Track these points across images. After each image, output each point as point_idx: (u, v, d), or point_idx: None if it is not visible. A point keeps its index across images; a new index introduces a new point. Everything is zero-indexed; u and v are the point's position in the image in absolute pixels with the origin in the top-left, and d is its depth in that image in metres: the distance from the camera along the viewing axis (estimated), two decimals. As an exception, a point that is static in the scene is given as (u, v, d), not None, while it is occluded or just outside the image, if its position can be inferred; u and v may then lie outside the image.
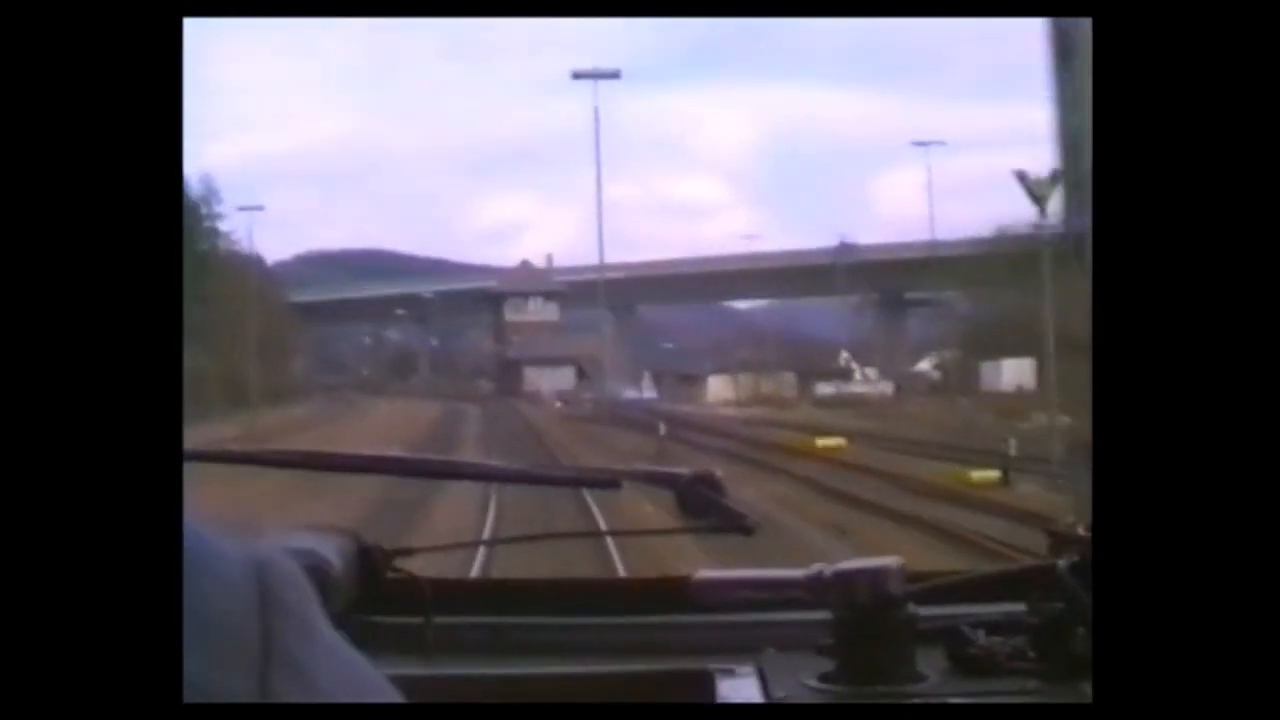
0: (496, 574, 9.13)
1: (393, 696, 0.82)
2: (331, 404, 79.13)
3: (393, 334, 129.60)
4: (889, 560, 1.60)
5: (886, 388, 77.34)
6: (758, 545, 2.36)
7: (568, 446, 38.03)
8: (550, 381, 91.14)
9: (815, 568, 1.61)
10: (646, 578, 2.06)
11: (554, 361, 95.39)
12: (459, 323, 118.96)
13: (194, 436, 1.56)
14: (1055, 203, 26.31)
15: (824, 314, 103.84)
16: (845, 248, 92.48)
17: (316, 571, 1.65)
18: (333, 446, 2.86)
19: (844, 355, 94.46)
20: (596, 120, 60.39)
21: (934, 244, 78.11)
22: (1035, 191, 26.16)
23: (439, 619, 1.85)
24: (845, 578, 1.59)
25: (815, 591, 1.61)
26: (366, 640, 1.48)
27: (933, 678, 1.59)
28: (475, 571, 11.39)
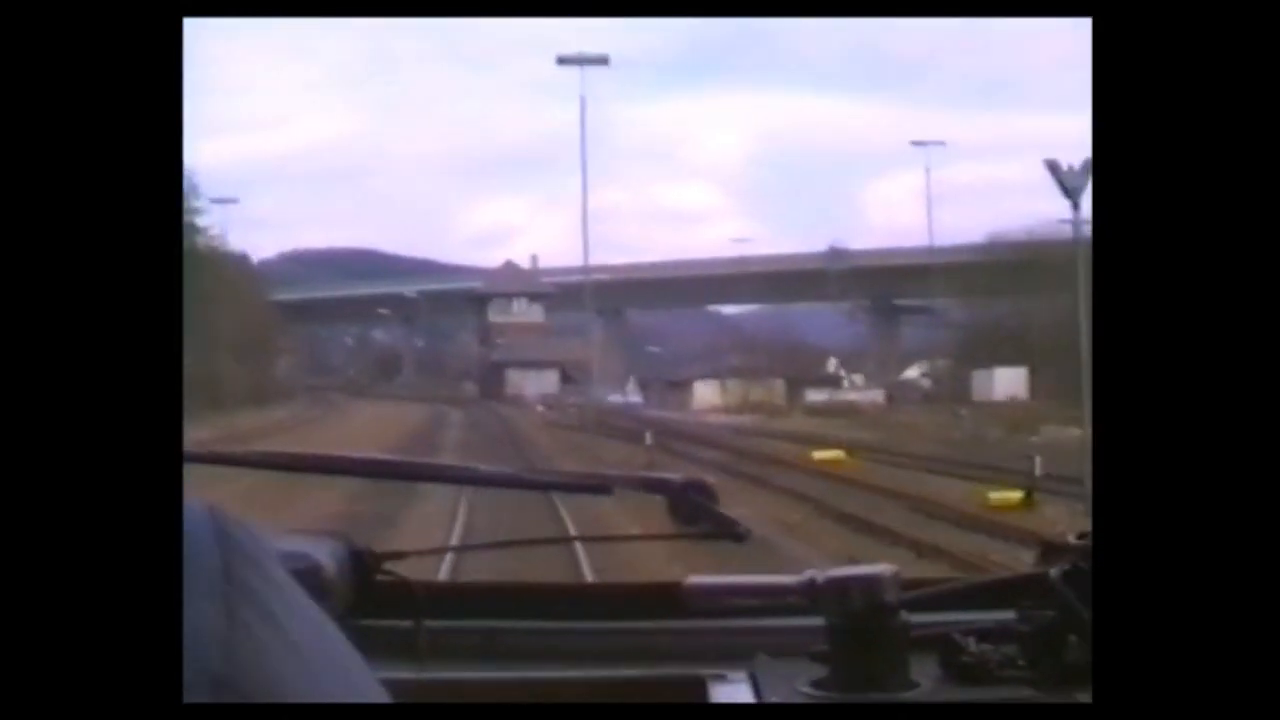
0: (464, 578, 8.07)
1: (345, 645, 0.81)
2: (314, 406, 77.15)
3: (379, 335, 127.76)
4: (883, 567, 1.60)
5: (878, 396, 75.15)
6: (745, 558, 2.25)
7: (550, 457, 35.90)
8: (534, 385, 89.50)
9: (808, 574, 1.61)
10: (639, 582, 2.03)
11: (538, 364, 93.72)
12: (447, 324, 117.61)
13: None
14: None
15: (814, 320, 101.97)
16: (836, 253, 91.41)
17: (309, 574, 1.65)
18: (308, 450, 2.72)
19: (832, 362, 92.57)
20: (582, 108, 57.63)
21: (927, 250, 76.98)
22: (1067, 184, 23.31)
23: (430, 623, 1.83)
24: (839, 584, 1.58)
25: (809, 598, 1.60)
26: (358, 644, 1.33)
27: (925, 685, 1.58)
28: (443, 575, 10.89)
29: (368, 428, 52.83)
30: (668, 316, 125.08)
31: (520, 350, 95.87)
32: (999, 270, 63.66)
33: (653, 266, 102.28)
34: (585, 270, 59.77)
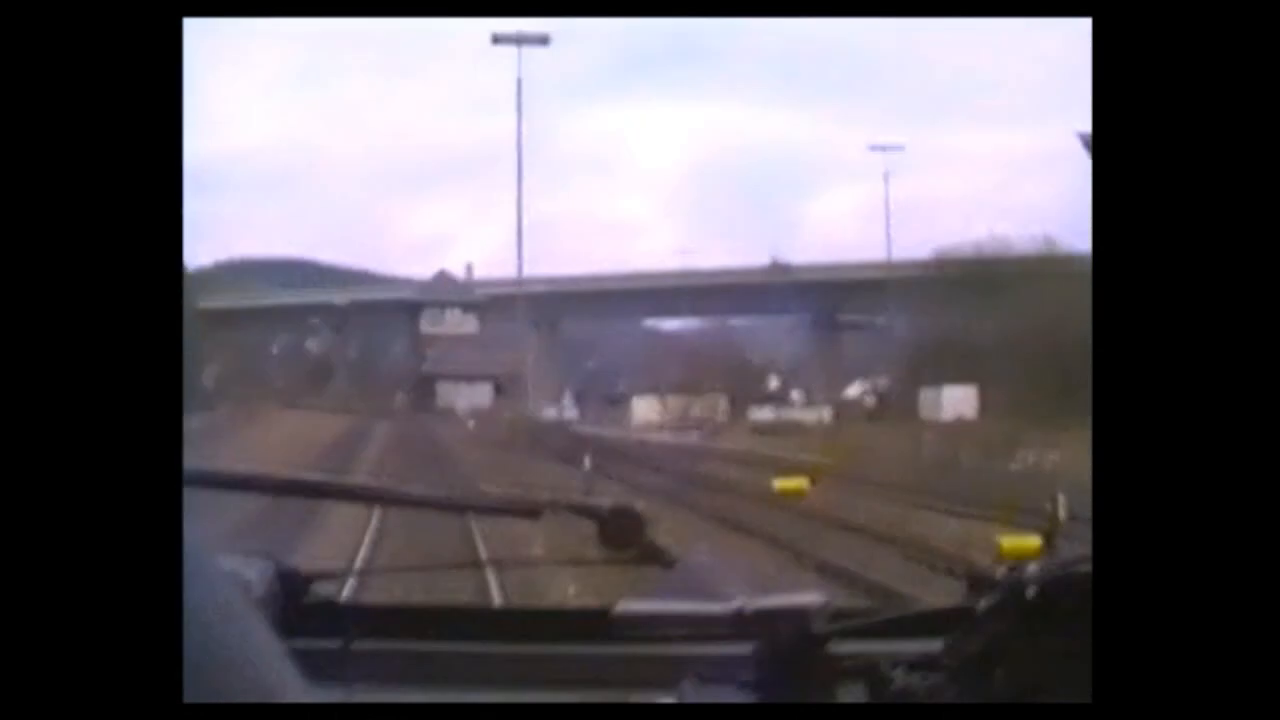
0: (370, 599, 7.11)
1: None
2: (232, 417, 72.34)
3: (313, 345, 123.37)
4: (811, 597, 1.61)
5: (824, 413, 71.11)
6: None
7: (476, 480, 31.41)
8: (466, 398, 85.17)
9: (737, 603, 1.62)
10: (570, 607, 1.86)
11: (471, 377, 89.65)
12: (381, 335, 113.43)
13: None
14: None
15: (755, 335, 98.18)
16: (779, 266, 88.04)
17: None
18: (218, 464, 2.36)
19: (772, 378, 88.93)
20: (519, 91, 53.21)
21: (872, 265, 74.11)
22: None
23: (359, 644, 1.82)
24: (768, 615, 1.60)
25: (737, 627, 1.62)
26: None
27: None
28: (347, 594, 8.18)
29: (283, 442, 48.90)
30: (604, 329, 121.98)
31: (452, 362, 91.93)
32: (947, 287, 60.78)
33: (591, 278, 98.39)
34: (520, 281, 55.44)
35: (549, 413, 74.97)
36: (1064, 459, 24.46)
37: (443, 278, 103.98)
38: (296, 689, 0.78)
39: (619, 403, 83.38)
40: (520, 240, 51.15)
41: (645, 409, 78.13)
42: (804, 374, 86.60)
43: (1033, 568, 1.55)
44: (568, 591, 11.86)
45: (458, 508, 2.37)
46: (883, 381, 78.08)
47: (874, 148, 74.98)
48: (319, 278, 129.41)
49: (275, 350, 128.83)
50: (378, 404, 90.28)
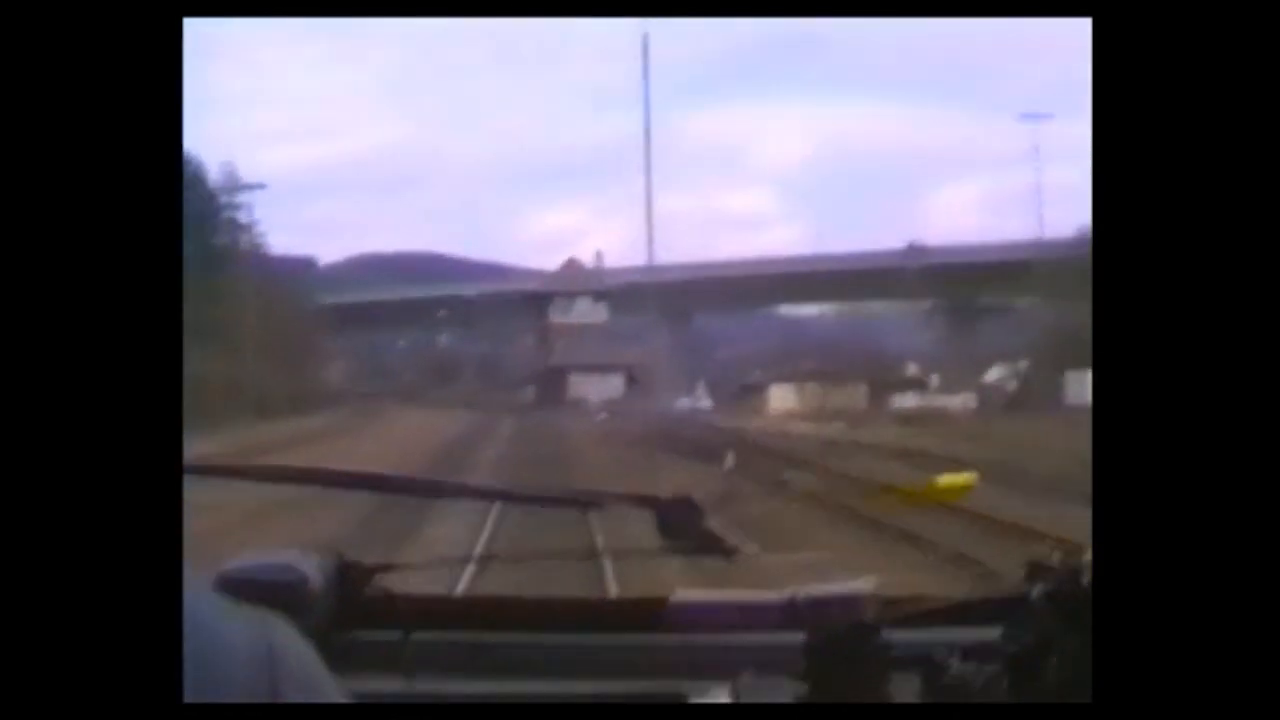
0: (434, 591, 4.75)
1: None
2: (356, 415, 70.05)
3: (443, 340, 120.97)
4: (863, 585, 1.64)
5: (969, 400, 66.97)
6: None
7: (603, 483, 27.80)
8: (597, 390, 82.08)
9: (790, 592, 1.65)
10: (624, 598, 2.04)
11: (602, 368, 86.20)
12: (510, 328, 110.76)
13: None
14: None
15: (887, 322, 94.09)
16: (914, 250, 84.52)
17: (294, 587, 1.70)
18: (328, 463, 2.20)
19: (909, 365, 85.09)
20: (645, 82, 49.45)
21: (1009, 246, 70.08)
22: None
23: (417, 636, 1.83)
24: (819, 603, 1.62)
25: (790, 616, 1.63)
26: (345, 657, 1.59)
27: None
28: (462, 590, 9.97)
29: (400, 441, 45.74)
30: (735, 319, 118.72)
31: (582, 353, 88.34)
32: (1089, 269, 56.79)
33: (723, 265, 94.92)
34: (651, 270, 51.87)
35: (682, 403, 72.18)
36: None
37: (572, 266, 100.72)
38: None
39: (753, 392, 79.79)
40: (650, 227, 47.58)
41: (782, 398, 74.39)
42: (942, 360, 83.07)
43: (1089, 555, 1.47)
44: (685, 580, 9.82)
45: (518, 500, 2.25)
46: (1023, 365, 74.88)
47: (1025, 117, 70.40)
48: (448, 272, 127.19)
49: (402, 345, 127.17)
50: (506, 398, 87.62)
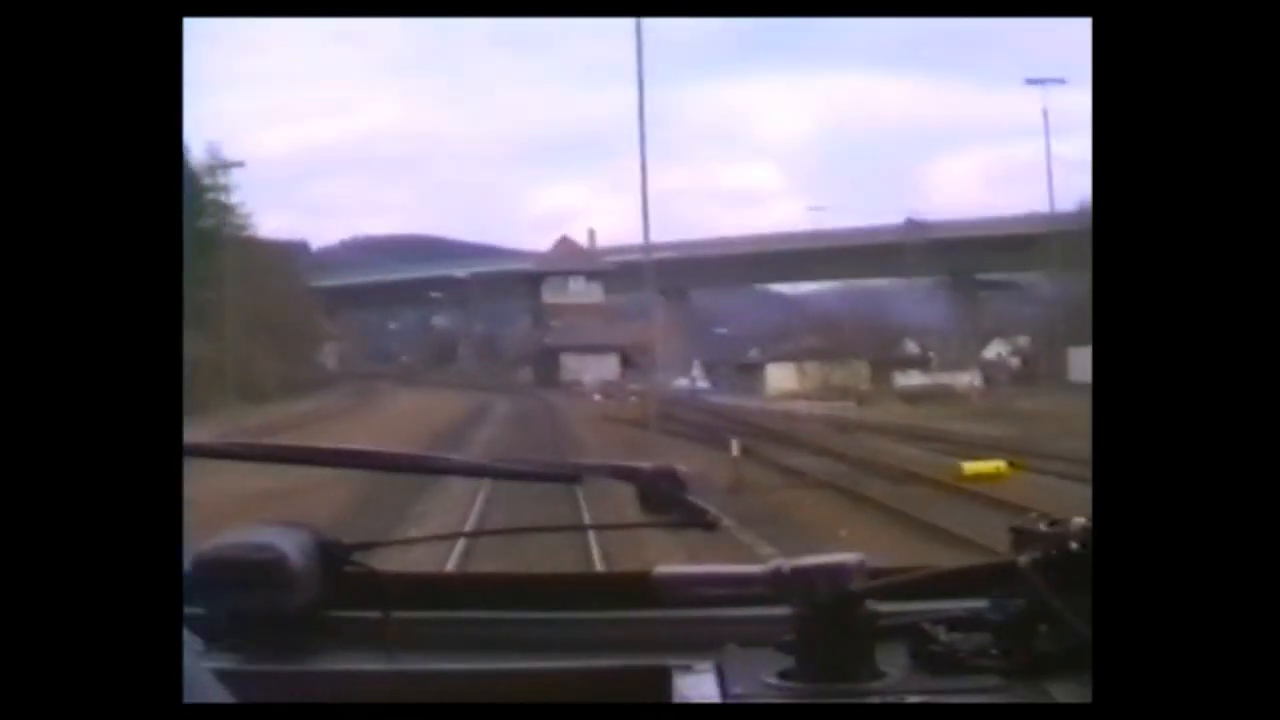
0: (472, 569, 8.63)
1: None
2: (350, 396, 67.97)
3: (439, 321, 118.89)
4: (849, 556, 1.57)
5: (974, 377, 64.62)
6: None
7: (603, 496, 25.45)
8: (593, 371, 79.88)
9: (775, 564, 1.58)
10: (607, 572, 2.04)
11: (597, 348, 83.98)
12: (507, 308, 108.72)
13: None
14: None
15: (890, 297, 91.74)
16: (914, 224, 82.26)
17: (273, 565, 1.68)
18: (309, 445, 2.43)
19: (908, 342, 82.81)
20: (639, 58, 46.90)
21: (1010, 220, 67.94)
22: None
23: (399, 614, 1.81)
24: (805, 574, 1.56)
25: (775, 587, 1.57)
26: (326, 635, 1.72)
27: (894, 675, 1.55)
28: (452, 566, 11.38)
29: (394, 423, 44.07)
30: (732, 296, 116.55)
31: (577, 333, 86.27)
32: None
33: (719, 242, 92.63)
34: (647, 247, 49.20)
35: (681, 383, 70.00)
36: None
37: (565, 245, 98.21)
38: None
39: (752, 371, 77.94)
40: (645, 204, 45.12)
41: (782, 377, 72.04)
42: (944, 337, 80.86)
43: (1078, 521, 1.51)
44: (672, 553, 10.42)
45: (498, 475, 2.29)
46: (1022, 342, 73.80)
47: (1030, 82, 67.41)
48: (443, 253, 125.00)
49: (394, 326, 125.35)
50: (501, 379, 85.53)
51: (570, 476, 2.08)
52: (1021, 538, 1.58)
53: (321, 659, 1.72)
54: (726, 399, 59.93)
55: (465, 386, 76.82)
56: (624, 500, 1.86)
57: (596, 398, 63.23)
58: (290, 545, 1.73)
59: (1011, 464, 21.15)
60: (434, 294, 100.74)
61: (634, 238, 74.79)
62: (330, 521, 10.81)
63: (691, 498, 1.78)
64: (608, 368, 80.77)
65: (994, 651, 1.54)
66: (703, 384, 74.91)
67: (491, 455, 28.86)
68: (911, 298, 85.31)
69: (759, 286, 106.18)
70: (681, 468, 1.81)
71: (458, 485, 19.24)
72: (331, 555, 1.80)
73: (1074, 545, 1.49)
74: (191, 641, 0.66)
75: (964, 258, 78.36)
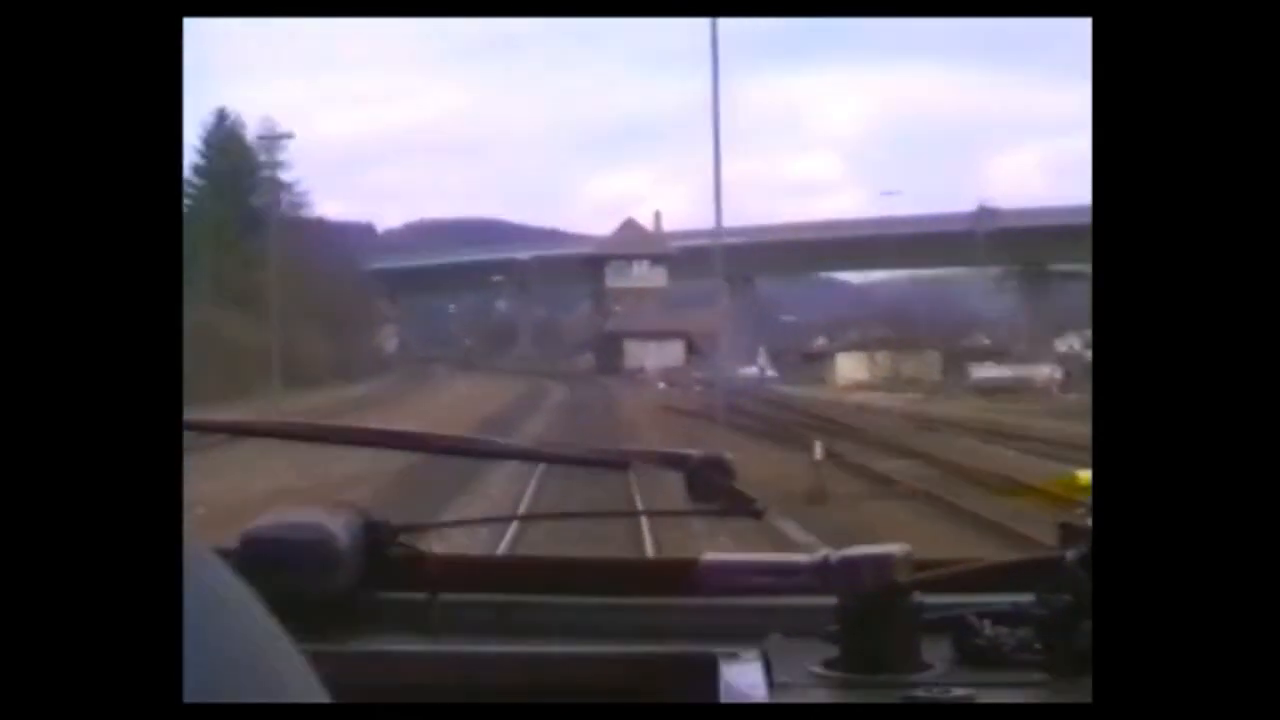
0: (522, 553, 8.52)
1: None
2: (405, 381, 65.62)
3: (501, 305, 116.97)
4: (895, 547, 1.55)
5: (1055, 371, 61.59)
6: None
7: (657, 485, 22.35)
8: (656, 357, 77.37)
9: (821, 554, 1.57)
10: (653, 559, 2.24)
11: (660, 334, 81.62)
12: (569, 293, 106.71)
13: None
14: None
15: (960, 286, 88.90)
16: (986, 212, 79.13)
17: (321, 545, 1.71)
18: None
19: (978, 334, 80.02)
20: (714, 43, 43.94)
21: (1081, 210, 64.72)
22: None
23: (445, 596, 1.81)
24: (851, 564, 1.55)
25: (821, 577, 1.56)
26: (371, 617, 1.74)
27: (938, 667, 1.53)
28: (503, 549, 11.25)
29: (444, 410, 41.74)
30: (797, 283, 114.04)
31: (640, 318, 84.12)
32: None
33: (787, 228, 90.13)
34: (717, 232, 46.23)
35: (747, 371, 67.11)
36: None
37: (630, 227, 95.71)
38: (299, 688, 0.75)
39: (819, 360, 75.35)
40: (718, 187, 41.91)
41: (851, 367, 69.31)
42: (1013, 328, 78.14)
43: None
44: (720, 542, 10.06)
45: (544, 459, 2.41)
46: (1089, 334, 68.63)
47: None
48: (506, 237, 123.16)
49: (455, 310, 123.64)
50: (562, 365, 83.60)
51: (618, 463, 2.01)
52: (1069, 533, 1.56)
53: (365, 640, 1.70)
54: (795, 389, 57.51)
55: (524, 372, 74.68)
56: (679, 494, 1.76)
57: (660, 386, 61.06)
58: (338, 525, 1.73)
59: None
60: (496, 277, 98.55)
61: (697, 223, 72.23)
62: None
63: (737, 486, 1.75)
64: (671, 354, 78.76)
65: (1038, 646, 1.53)
66: (771, 373, 72.33)
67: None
68: (981, 288, 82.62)
69: (825, 275, 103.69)
70: (728, 455, 1.77)
71: (505, 483, 18.88)
72: (378, 536, 1.80)
73: None
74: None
75: (1035, 247, 76.23)
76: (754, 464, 20.47)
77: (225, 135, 66.75)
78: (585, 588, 1.87)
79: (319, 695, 0.76)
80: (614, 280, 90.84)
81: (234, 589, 0.73)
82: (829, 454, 21.12)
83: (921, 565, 1.58)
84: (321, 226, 75.72)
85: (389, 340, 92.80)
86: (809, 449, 20.57)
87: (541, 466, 17.80)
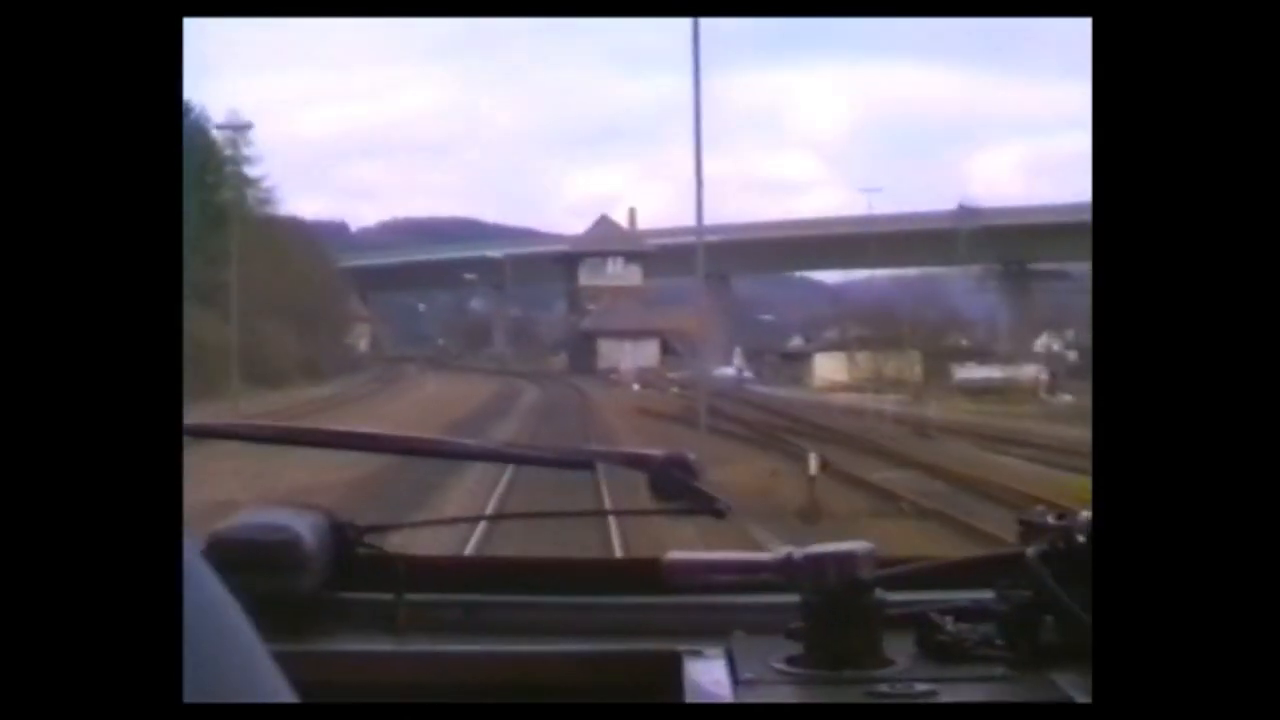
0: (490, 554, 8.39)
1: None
2: (374, 381, 63.66)
3: (475, 304, 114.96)
4: (858, 545, 1.58)
5: (1040, 371, 59.69)
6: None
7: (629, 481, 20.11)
8: (630, 357, 75.34)
9: (785, 551, 1.59)
10: (620, 558, 2.26)
11: (635, 334, 79.49)
12: (543, 292, 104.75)
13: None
14: None
15: (938, 286, 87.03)
16: (966, 210, 77.22)
17: (287, 546, 1.71)
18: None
19: (963, 333, 78.16)
20: (695, 40, 41.81)
21: (1062, 209, 63.61)
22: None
23: (411, 596, 1.82)
24: (815, 561, 1.57)
25: (785, 574, 1.59)
26: (338, 616, 1.75)
27: (901, 663, 1.56)
28: (470, 550, 11.22)
29: (411, 413, 39.85)
30: (774, 282, 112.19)
31: (615, 317, 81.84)
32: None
33: (765, 225, 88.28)
34: (699, 230, 44.09)
35: (725, 372, 64.99)
36: None
37: (605, 224, 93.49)
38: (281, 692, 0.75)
39: (797, 360, 73.61)
40: (700, 185, 39.71)
41: (831, 368, 66.91)
42: (992, 327, 76.66)
43: (1085, 514, 1.51)
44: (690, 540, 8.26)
45: (508, 460, 2.25)
46: (1071, 334, 69.44)
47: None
48: (480, 236, 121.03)
49: (427, 310, 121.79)
50: (535, 365, 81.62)
51: (583, 463, 2.04)
52: (1029, 530, 1.59)
53: (332, 640, 1.71)
54: (774, 390, 55.81)
55: (496, 372, 73.04)
56: (647, 502, 1.79)
57: (635, 387, 59.02)
58: (304, 526, 1.73)
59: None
60: (468, 275, 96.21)
61: (674, 222, 70.12)
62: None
63: (701, 485, 1.76)
64: (646, 354, 76.85)
65: (999, 642, 1.55)
66: (748, 373, 70.46)
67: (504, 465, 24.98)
68: (962, 287, 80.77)
69: (803, 273, 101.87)
70: (691, 455, 1.78)
71: (468, 499, 17.72)
72: (345, 537, 1.80)
73: (1080, 538, 1.51)
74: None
75: (1016, 245, 74.78)
76: (740, 476, 18.26)
77: (190, 129, 64.57)
78: (551, 587, 1.86)
79: (287, 695, 0.75)
80: (588, 278, 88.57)
81: (221, 589, 0.73)
82: (826, 467, 18.92)
83: (884, 562, 1.57)
84: (293, 224, 73.39)
85: (361, 339, 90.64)
86: (798, 458, 18.40)
87: (508, 476, 18.08)
